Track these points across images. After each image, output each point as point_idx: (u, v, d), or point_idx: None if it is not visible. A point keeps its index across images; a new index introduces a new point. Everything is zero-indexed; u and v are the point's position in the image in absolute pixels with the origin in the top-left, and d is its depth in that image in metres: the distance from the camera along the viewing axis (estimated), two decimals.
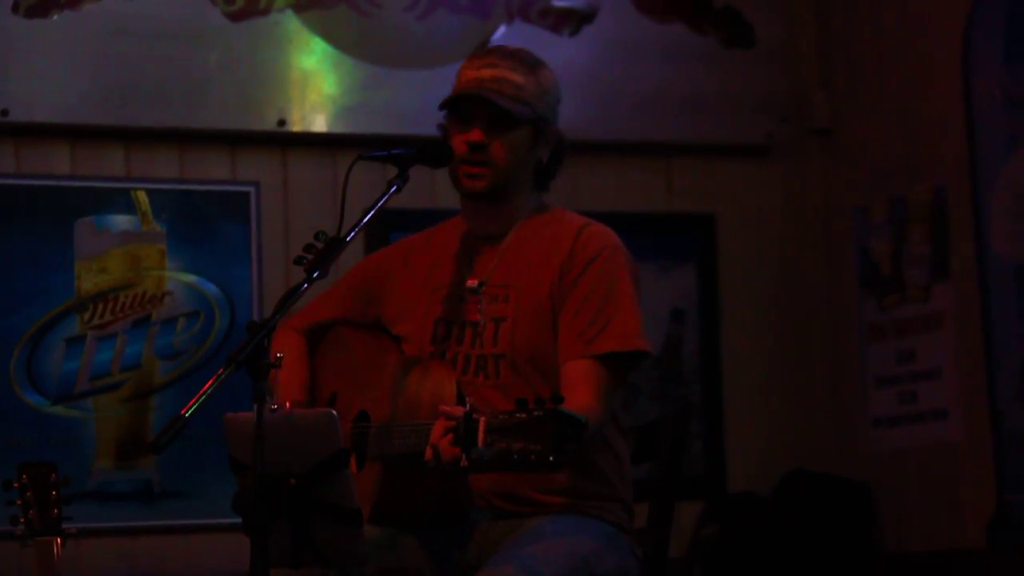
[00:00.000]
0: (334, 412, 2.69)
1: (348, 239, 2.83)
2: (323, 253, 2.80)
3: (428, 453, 2.69)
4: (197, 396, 2.54)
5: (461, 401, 2.86)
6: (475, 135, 3.02)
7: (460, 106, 3.05)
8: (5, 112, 4.54)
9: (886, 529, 5.01)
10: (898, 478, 5.00)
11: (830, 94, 5.32)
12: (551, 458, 2.50)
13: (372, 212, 2.90)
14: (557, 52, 4.98)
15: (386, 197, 2.93)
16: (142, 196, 4.69)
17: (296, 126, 4.83)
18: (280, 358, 2.64)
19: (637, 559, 3.08)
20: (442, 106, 3.07)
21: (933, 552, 4.84)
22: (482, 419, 2.56)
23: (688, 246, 5.21)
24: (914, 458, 4.96)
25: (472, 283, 3.08)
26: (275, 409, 2.72)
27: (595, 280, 3.00)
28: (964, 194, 4.79)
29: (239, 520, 2.60)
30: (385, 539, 2.99)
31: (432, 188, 4.40)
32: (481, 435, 2.55)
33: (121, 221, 4.67)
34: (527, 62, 3.08)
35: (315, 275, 2.77)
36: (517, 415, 2.53)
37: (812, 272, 5.32)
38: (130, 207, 4.68)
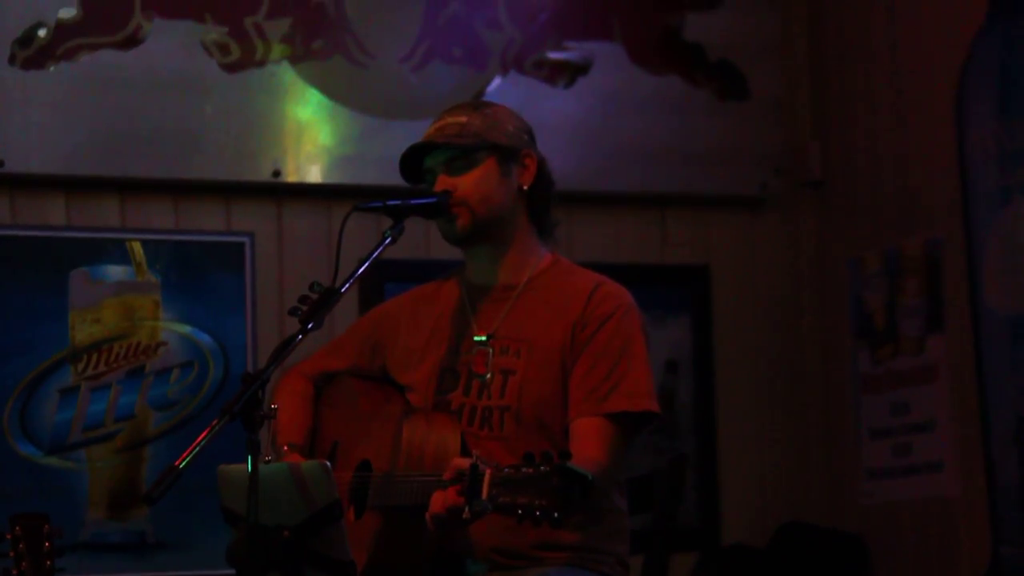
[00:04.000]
0: (327, 464, 2.68)
1: (343, 290, 2.83)
2: (318, 304, 2.80)
3: (429, 521, 2.68)
4: (191, 447, 2.54)
5: (465, 453, 2.85)
6: (440, 183, 3.03)
7: (417, 168, 3.07)
8: (1, 163, 4.55)
9: None
10: (892, 530, 4.99)
11: (824, 146, 5.34)
12: (555, 514, 2.49)
13: (367, 263, 2.91)
14: (552, 104, 5.02)
15: (381, 248, 2.94)
16: (137, 246, 4.69)
17: (291, 176, 4.83)
18: (275, 409, 2.64)
19: None
20: (402, 175, 3.10)
21: None
22: (488, 471, 2.55)
23: (682, 297, 5.21)
24: (908, 510, 4.95)
25: (481, 335, 3.08)
26: (269, 460, 2.72)
27: (608, 339, 3.00)
28: (958, 246, 4.80)
29: (233, 572, 2.59)
30: None
31: (427, 239, 4.40)
32: (486, 488, 2.54)
33: (116, 271, 4.66)
34: (471, 104, 3.17)
35: (310, 326, 2.78)
36: (523, 469, 2.52)
37: (806, 323, 5.32)
38: (125, 257, 4.68)
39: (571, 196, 5.02)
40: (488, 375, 3.03)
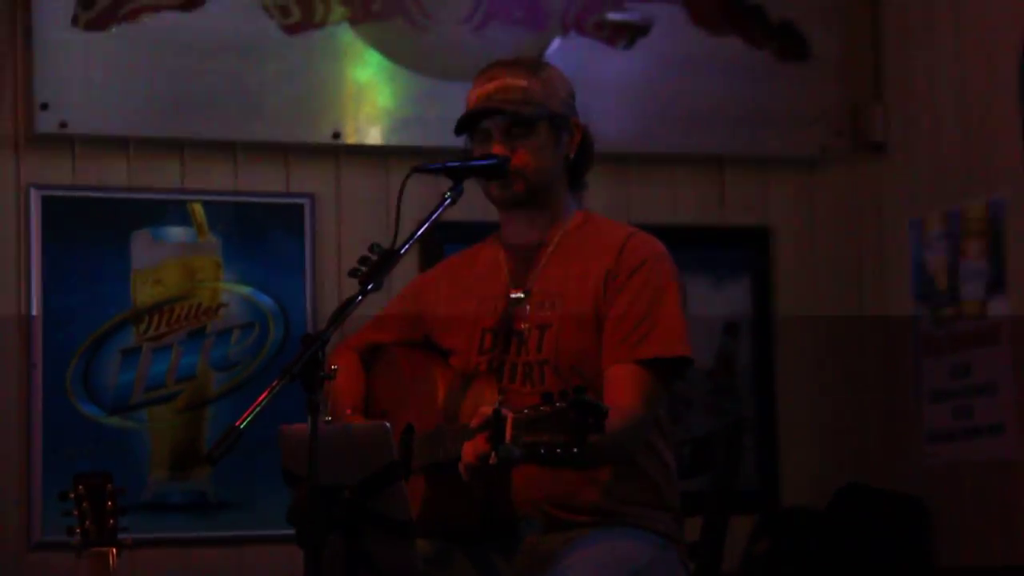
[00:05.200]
0: (387, 424, 2.70)
1: (402, 251, 2.83)
2: (377, 265, 2.80)
3: (462, 470, 2.71)
4: (252, 407, 2.55)
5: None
6: (497, 148, 3.03)
7: (474, 125, 3.07)
8: (64, 124, 4.58)
9: (941, 544, 4.98)
10: (953, 493, 4.97)
11: (885, 107, 5.30)
12: (575, 449, 2.51)
13: (427, 224, 2.91)
14: (612, 65, 5.00)
15: (440, 209, 2.94)
16: (198, 208, 4.71)
17: (350, 138, 4.84)
18: (335, 370, 2.66)
19: (687, 571, 3.08)
20: (457, 131, 3.09)
21: (988, 567, 4.80)
22: (509, 416, 2.58)
23: (741, 259, 5.20)
24: (969, 473, 4.93)
25: (517, 293, 3.10)
26: (329, 421, 2.74)
27: (640, 287, 3.01)
28: (1020, 207, 4.76)
29: (293, 531, 2.61)
30: (438, 555, 2.99)
31: (486, 200, 4.40)
32: (509, 432, 2.57)
33: (177, 232, 4.69)
34: (528, 66, 3.12)
35: (369, 287, 2.78)
36: (541, 409, 2.55)
37: (867, 285, 5.29)
38: (186, 219, 4.71)
39: (630, 157, 5.03)
40: (526, 331, 3.04)
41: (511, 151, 3.04)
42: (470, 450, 2.69)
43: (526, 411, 2.57)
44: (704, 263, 5.09)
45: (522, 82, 3.06)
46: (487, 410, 2.63)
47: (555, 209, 3.12)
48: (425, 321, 3.22)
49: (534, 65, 3.15)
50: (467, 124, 3.09)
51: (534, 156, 3.05)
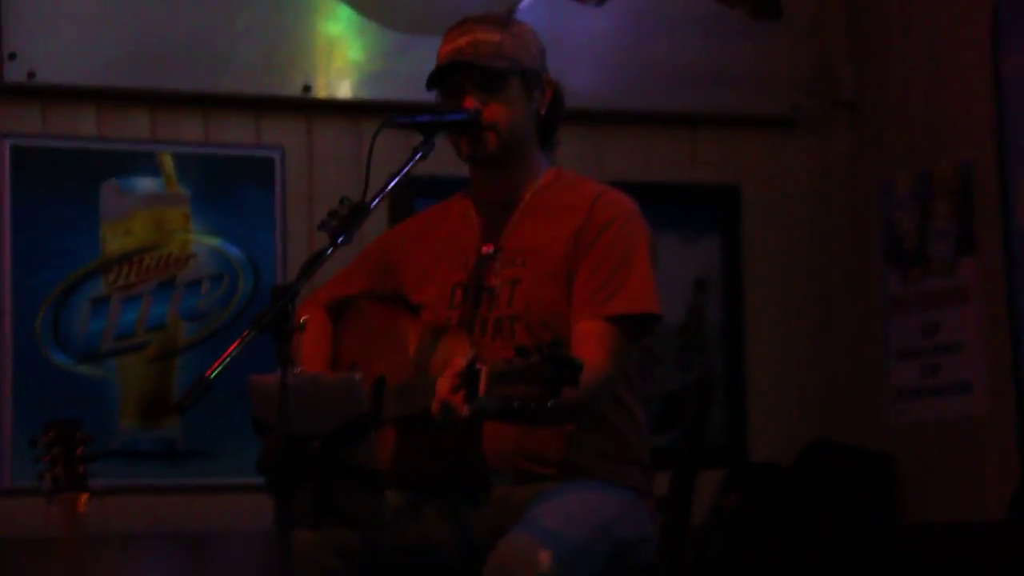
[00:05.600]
0: (359, 376, 2.71)
1: (373, 205, 2.84)
2: (348, 219, 2.81)
3: (434, 406, 2.72)
4: (222, 358, 2.55)
5: None
6: (469, 102, 3.03)
7: (446, 79, 3.07)
8: (32, 74, 4.55)
9: (908, 501, 5.01)
10: (921, 450, 5.00)
11: (857, 67, 5.30)
12: (548, 402, 2.52)
13: (397, 179, 2.91)
14: (584, 22, 4.99)
15: (411, 164, 2.94)
16: (167, 159, 4.70)
17: (321, 92, 4.83)
18: (305, 322, 2.66)
19: (657, 526, 3.10)
20: (428, 86, 3.09)
21: (955, 524, 4.84)
22: (483, 368, 2.59)
23: (712, 217, 5.20)
24: (937, 430, 4.96)
25: (488, 249, 3.10)
26: (300, 372, 2.74)
27: (610, 244, 3.03)
28: (990, 168, 4.77)
29: (263, 480, 2.61)
30: (409, 506, 3.00)
31: (456, 155, 4.39)
32: (483, 384, 2.58)
33: (146, 184, 4.68)
34: (499, 21, 3.13)
35: (339, 241, 2.78)
36: (516, 362, 2.56)
37: (836, 244, 5.31)
38: (155, 170, 4.69)
39: (601, 115, 5.03)
40: (497, 286, 3.05)
41: (483, 106, 3.04)
42: (444, 386, 2.69)
43: (500, 364, 2.58)
44: (675, 220, 5.10)
45: (494, 37, 3.06)
46: (461, 361, 2.64)
47: (526, 166, 3.13)
48: (395, 275, 3.22)
49: (505, 20, 3.15)
50: (438, 79, 3.09)
51: (506, 111, 3.05)
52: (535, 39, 3.14)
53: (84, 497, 3.05)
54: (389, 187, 2.89)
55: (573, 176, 3.19)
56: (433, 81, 3.09)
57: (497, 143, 3.06)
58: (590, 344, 2.94)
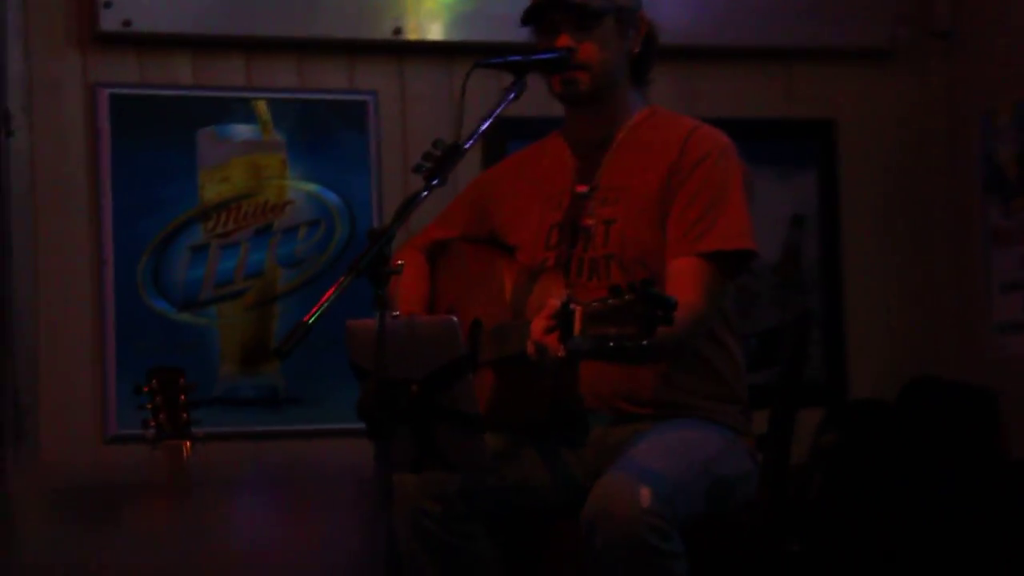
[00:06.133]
0: (455, 319, 2.72)
1: (466, 147, 2.84)
2: (441, 161, 2.81)
3: (530, 347, 2.72)
4: (319, 303, 2.57)
5: None
6: (562, 41, 3.02)
7: (540, 17, 3.05)
8: (128, 23, 4.58)
9: (1011, 436, 4.97)
10: (1023, 384, 4.95)
11: None
12: (644, 341, 2.51)
13: (489, 120, 2.91)
14: None
15: (503, 105, 2.94)
16: (262, 105, 4.72)
17: (412, 34, 4.82)
18: (401, 265, 2.67)
19: (756, 464, 3.09)
20: (523, 22, 3.08)
21: None
22: (577, 309, 2.59)
23: (808, 152, 5.16)
24: None
25: (583, 188, 3.10)
26: (396, 316, 2.76)
27: (704, 180, 3.01)
28: None
29: (363, 425, 2.63)
30: (508, 449, 3.02)
31: (549, 95, 4.38)
32: (577, 324, 2.59)
33: (242, 130, 4.70)
34: None
35: (434, 183, 2.79)
36: (610, 301, 2.56)
37: (935, 177, 5.24)
38: (251, 116, 4.71)
39: (693, 50, 4.98)
40: (592, 226, 3.05)
41: (576, 44, 3.02)
42: (539, 328, 2.70)
43: (594, 303, 2.58)
44: (770, 156, 5.05)
45: None
46: (555, 303, 2.65)
47: (620, 104, 3.12)
48: (491, 217, 3.23)
49: None
50: (532, 16, 3.08)
51: (599, 50, 3.04)
52: None
53: (188, 444, 3.09)
54: (482, 128, 2.89)
55: (667, 113, 3.18)
56: (527, 18, 3.08)
57: (590, 82, 3.05)
58: (684, 281, 2.93)
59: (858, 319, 5.14)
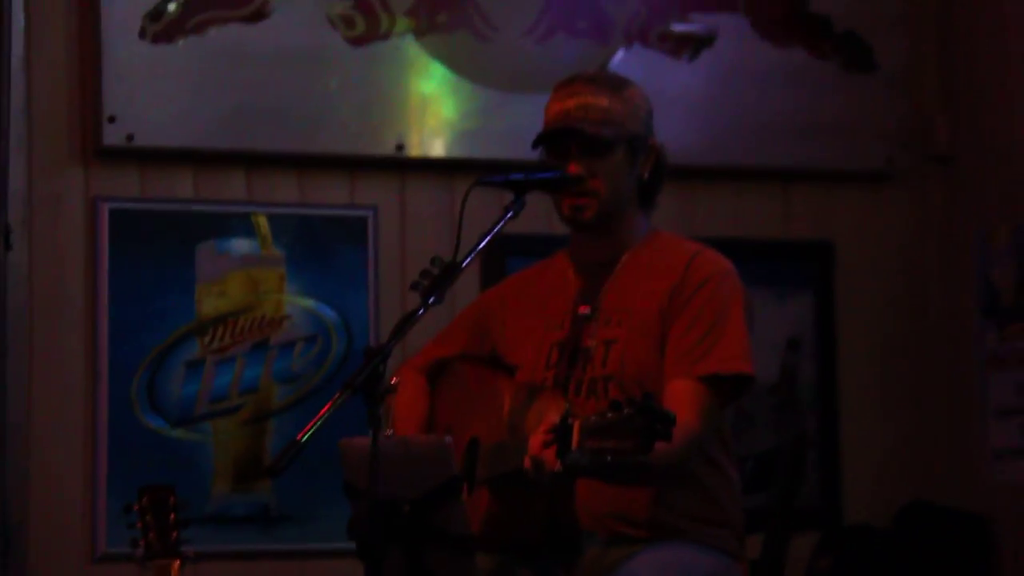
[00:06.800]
0: (448, 439, 2.71)
1: (464, 264, 2.85)
2: (439, 279, 2.82)
3: (527, 462, 2.72)
4: (313, 421, 2.57)
5: None
6: (573, 168, 3.03)
7: (552, 141, 3.07)
8: (131, 137, 4.61)
9: (1005, 564, 4.93)
10: (1020, 512, 4.92)
11: (952, 119, 5.25)
12: (642, 456, 2.51)
13: (488, 237, 2.92)
14: (675, 77, 4.99)
15: (503, 223, 2.95)
16: (262, 220, 4.74)
17: (414, 151, 4.85)
18: (396, 384, 2.67)
19: None
20: (534, 145, 3.09)
21: None
22: (576, 422, 2.60)
23: (805, 274, 5.16)
24: None
25: (585, 310, 3.10)
26: (390, 435, 2.75)
27: (705, 302, 3.02)
28: None
29: (354, 545, 2.62)
30: (499, 570, 3.00)
31: (549, 214, 4.33)
32: (576, 437, 2.59)
33: (241, 245, 4.71)
34: (610, 83, 3.11)
35: (431, 301, 2.80)
36: (609, 415, 2.55)
37: (932, 301, 5.25)
38: (250, 231, 4.73)
39: (692, 170, 5.01)
40: (592, 347, 3.05)
41: (587, 171, 3.04)
42: (537, 442, 2.69)
43: (593, 418, 2.58)
44: (768, 278, 5.06)
45: (603, 101, 3.05)
46: (554, 417, 2.64)
47: (626, 228, 3.13)
48: (491, 335, 3.23)
49: (616, 83, 3.13)
50: (544, 140, 3.09)
51: (609, 179, 3.05)
52: (644, 102, 3.13)
53: (177, 563, 3.06)
54: (480, 246, 2.90)
55: (669, 236, 3.19)
56: (539, 142, 3.09)
57: (598, 209, 3.07)
58: (681, 403, 2.92)
59: (853, 443, 5.12)
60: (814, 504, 5.02)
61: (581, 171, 3.03)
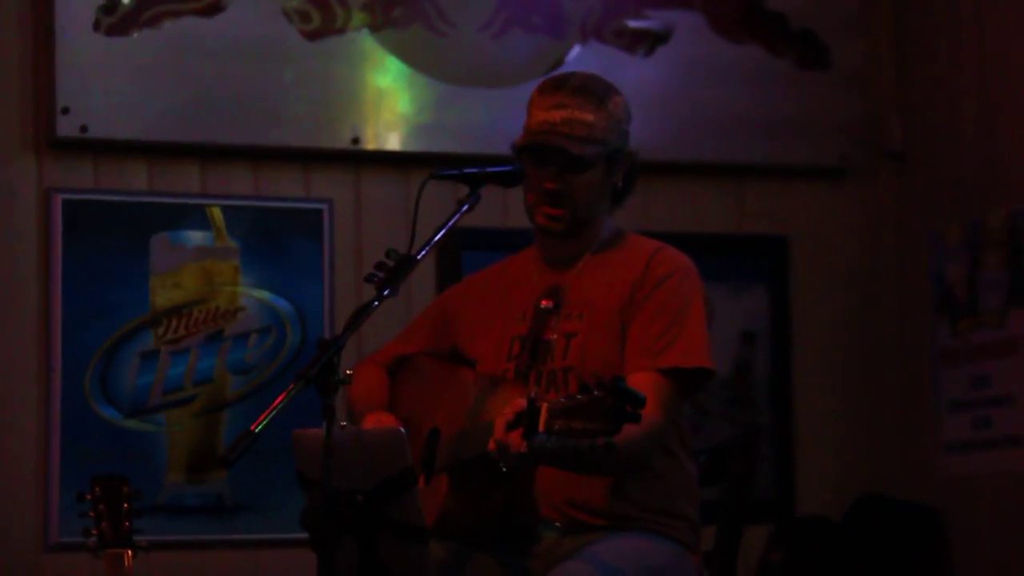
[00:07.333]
0: (401, 429, 2.71)
1: (419, 257, 2.85)
2: (394, 271, 2.82)
3: (491, 445, 2.72)
4: (267, 412, 2.56)
5: None
6: (549, 183, 3.04)
7: (533, 153, 3.07)
8: (84, 128, 4.59)
9: (957, 556, 4.96)
10: (971, 504, 4.95)
11: (906, 117, 5.29)
12: (611, 437, 2.51)
13: (443, 231, 2.92)
14: (631, 72, 4.99)
15: (457, 216, 2.95)
16: (216, 212, 4.73)
17: (370, 144, 4.85)
18: (350, 375, 2.66)
19: None
20: (515, 150, 3.09)
21: None
22: (544, 404, 2.61)
23: (759, 268, 5.19)
24: (987, 484, 4.91)
25: (547, 304, 3.11)
26: (344, 426, 2.75)
27: (665, 298, 3.04)
28: None
29: (307, 535, 2.61)
30: (453, 559, 3.00)
31: (504, 207, 4.40)
32: (543, 420, 2.60)
33: (196, 237, 4.71)
34: (596, 94, 3.09)
35: (386, 293, 2.79)
36: (578, 397, 2.56)
37: (885, 296, 5.28)
38: (205, 223, 4.72)
39: (648, 166, 4.95)
40: (553, 340, 3.06)
41: (563, 187, 3.04)
42: (501, 425, 2.69)
43: (562, 400, 2.59)
44: (722, 272, 5.08)
45: (588, 116, 3.04)
46: (521, 402, 2.65)
47: (594, 231, 3.14)
48: (453, 332, 3.23)
49: (601, 93, 3.09)
50: (525, 151, 3.09)
51: (586, 193, 3.07)
52: (626, 113, 3.12)
53: (130, 553, 3.06)
54: (435, 239, 2.90)
55: (632, 235, 3.20)
56: (521, 149, 3.09)
57: (572, 219, 3.09)
58: None
59: (807, 436, 5.15)
60: (767, 496, 5.05)
61: (558, 187, 3.04)
